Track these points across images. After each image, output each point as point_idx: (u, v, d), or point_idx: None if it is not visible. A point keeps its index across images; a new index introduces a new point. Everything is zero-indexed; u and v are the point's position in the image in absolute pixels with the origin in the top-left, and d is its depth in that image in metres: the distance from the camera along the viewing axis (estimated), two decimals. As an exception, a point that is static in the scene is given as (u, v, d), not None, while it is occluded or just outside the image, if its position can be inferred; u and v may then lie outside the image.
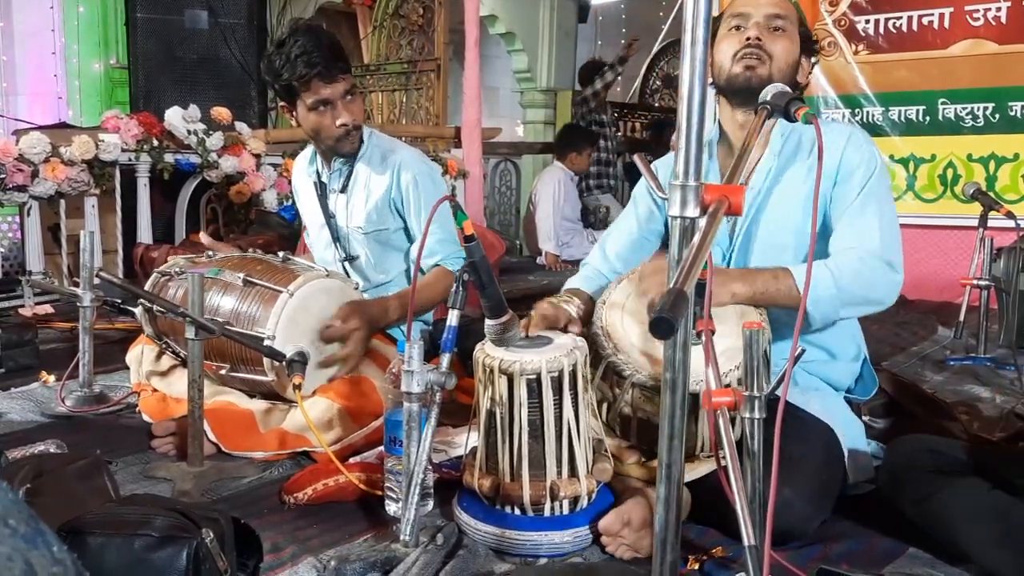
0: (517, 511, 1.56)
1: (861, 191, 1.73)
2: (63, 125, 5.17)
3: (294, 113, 2.31)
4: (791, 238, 1.78)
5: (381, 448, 1.80)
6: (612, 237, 2.08)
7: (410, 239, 2.44)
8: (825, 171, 1.75)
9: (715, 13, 1.56)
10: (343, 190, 2.42)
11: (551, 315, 1.71)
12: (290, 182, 4.49)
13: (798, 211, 1.78)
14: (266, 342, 1.98)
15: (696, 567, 1.48)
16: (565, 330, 1.70)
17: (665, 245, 2.05)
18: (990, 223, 3.23)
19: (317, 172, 2.46)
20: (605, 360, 1.63)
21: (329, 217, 2.46)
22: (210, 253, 2.37)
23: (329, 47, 2.21)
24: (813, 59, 1.88)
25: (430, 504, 1.71)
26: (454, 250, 2.33)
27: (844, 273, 1.64)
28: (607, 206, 6.62)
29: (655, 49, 8.81)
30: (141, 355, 2.40)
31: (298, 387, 1.91)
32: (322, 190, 2.46)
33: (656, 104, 8.76)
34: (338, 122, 2.26)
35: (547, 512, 1.55)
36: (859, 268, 1.66)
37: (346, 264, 2.49)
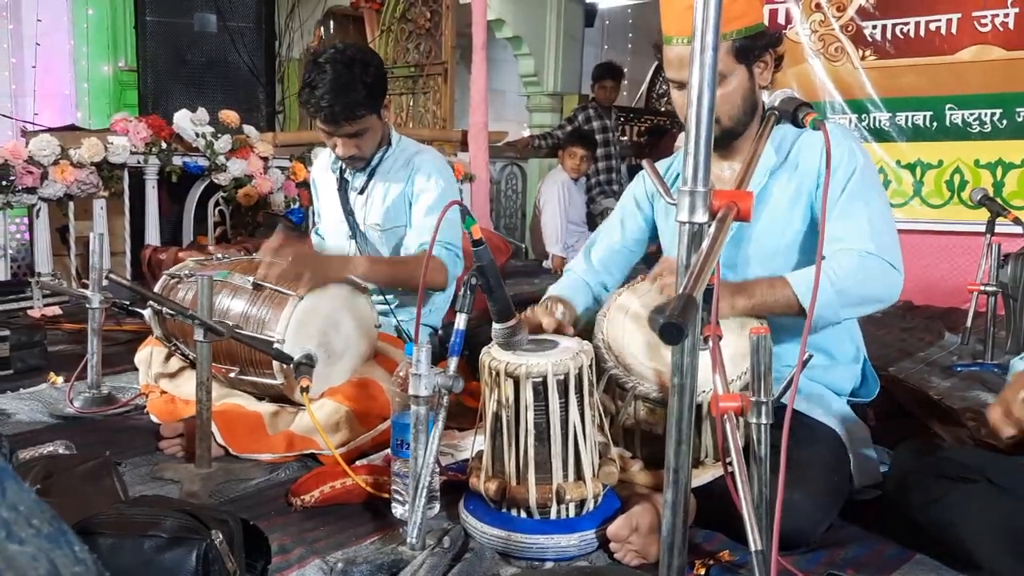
0: (523, 514, 1.56)
1: (844, 190, 1.71)
2: (72, 127, 5.19)
3: None
4: (780, 242, 1.79)
5: (388, 451, 1.81)
6: (597, 245, 2.09)
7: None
8: (809, 175, 1.76)
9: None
10: (362, 191, 2.47)
11: (535, 323, 1.72)
12: (297, 185, 4.54)
13: (782, 216, 1.78)
14: (275, 345, 1.99)
15: (703, 572, 1.48)
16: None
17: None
18: (997, 229, 3.23)
19: (340, 168, 2.51)
20: (607, 373, 1.63)
21: (348, 214, 2.50)
22: (218, 256, 2.39)
23: (363, 88, 2.22)
24: (771, 52, 1.73)
25: (436, 507, 1.72)
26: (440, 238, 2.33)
27: (842, 274, 1.63)
28: (611, 209, 6.53)
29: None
30: (150, 357, 2.41)
31: (305, 390, 1.92)
32: (342, 185, 2.50)
33: (662, 108, 8.74)
34: (336, 152, 2.36)
35: (553, 515, 1.55)
36: (857, 267, 1.64)
37: None
